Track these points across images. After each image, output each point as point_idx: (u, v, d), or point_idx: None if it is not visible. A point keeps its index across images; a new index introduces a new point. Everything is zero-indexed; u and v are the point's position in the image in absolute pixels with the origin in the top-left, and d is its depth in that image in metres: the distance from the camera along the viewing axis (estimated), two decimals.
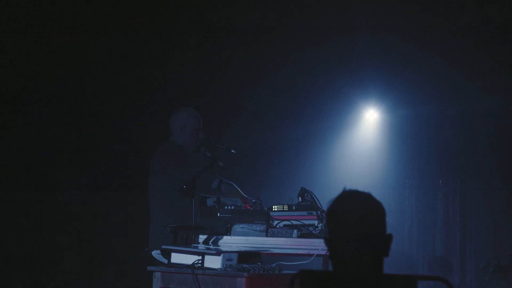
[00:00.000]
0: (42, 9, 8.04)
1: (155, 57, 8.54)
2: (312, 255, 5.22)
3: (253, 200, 5.64)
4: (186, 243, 5.26)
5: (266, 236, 5.39)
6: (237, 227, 5.43)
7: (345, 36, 8.60)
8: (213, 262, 4.84)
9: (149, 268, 5.13)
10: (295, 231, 5.34)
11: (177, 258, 4.98)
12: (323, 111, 9.25)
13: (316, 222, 5.49)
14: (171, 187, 5.97)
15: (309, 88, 9.19)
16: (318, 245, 5.20)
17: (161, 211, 6.21)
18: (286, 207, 5.61)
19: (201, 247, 5.11)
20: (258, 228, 5.40)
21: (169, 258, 5.01)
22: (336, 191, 2.95)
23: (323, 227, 5.42)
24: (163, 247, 5.10)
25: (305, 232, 5.41)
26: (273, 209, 5.60)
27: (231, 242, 5.37)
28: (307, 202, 5.62)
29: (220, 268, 4.81)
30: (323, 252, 5.15)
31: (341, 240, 2.87)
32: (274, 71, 8.88)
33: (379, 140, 9.65)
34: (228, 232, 5.44)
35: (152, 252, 5.42)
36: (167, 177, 6.14)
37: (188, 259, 4.93)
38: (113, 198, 8.50)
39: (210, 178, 6.13)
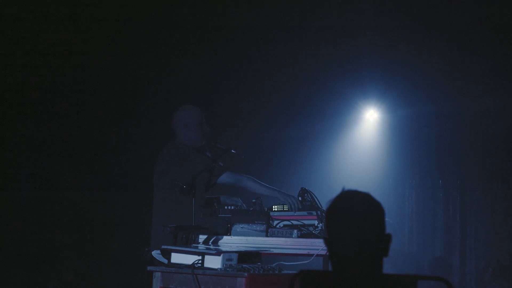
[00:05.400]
0: (42, 8, 8.05)
1: (156, 57, 8.54)
2: (312, 255, 5.22)
3: (253, 200, 5.64)
4: (186, 243, 5.26)
5: (266, 236, 5.39)
6: (237, 227, 5.43)
7: (345, 36, 8.60)
8: (213, 262, 4.84)
9: (149, 268, 5.13)
10: (295, 231, 5.34)
11: (177, 258, 4.99)
12: (323, 111, 9.25)
13: (316, 222, 5.49)
14: (172, 187, 5.94)
15: (309, 88, 9.19)
16: (318, 245, 5.20)
17: (163, 211, 6.18)
18: (286, 207, 5.61)
19: (201, 247, 5.10)
20: (258, 228, 5.40)
21: (169, 258, 5.01)
22: (336, 191, 2.95)
23: (323, 227, 5.42)
24: (163, 247, 5.09)
25: (305, 232, 5.41)
26: (273, 209, 5.60)
27: (231, 242, 5.37)
28: (307, 202, 5.62)
29: (220, 268, 4.81)
30: (323, 252, 5.15)
31: (341, 240, 2.87)
32: (274, 71, 8.88)
33: (379, 140, 9.65)
34: (228, 232, 5.44)
35: (152, 252, 5.42)
36: (170, 177, 6.10)
37: (188, 259, 4.93)
38: (113, 198, 8.50)
39: (214, 175, 6.07)
